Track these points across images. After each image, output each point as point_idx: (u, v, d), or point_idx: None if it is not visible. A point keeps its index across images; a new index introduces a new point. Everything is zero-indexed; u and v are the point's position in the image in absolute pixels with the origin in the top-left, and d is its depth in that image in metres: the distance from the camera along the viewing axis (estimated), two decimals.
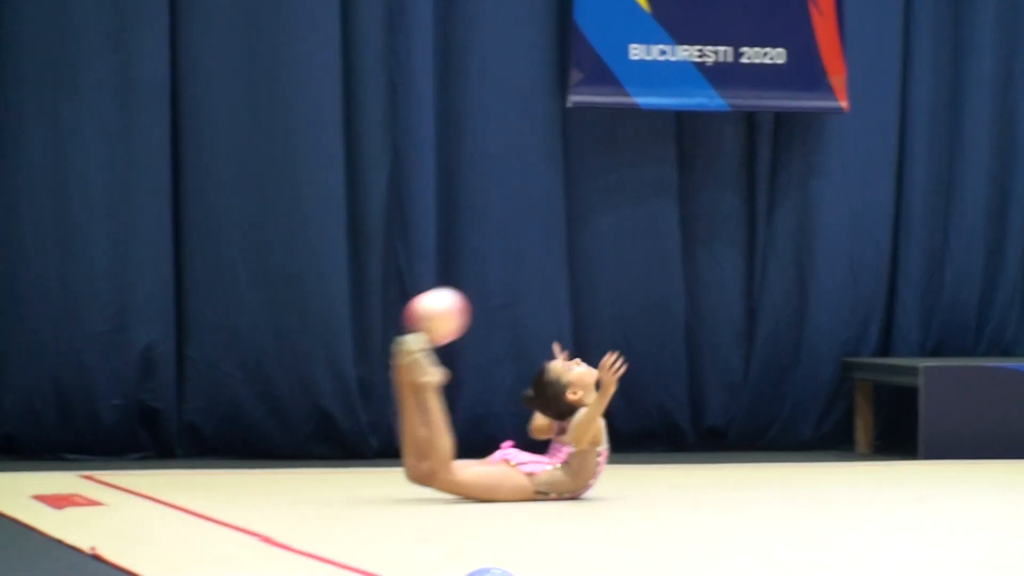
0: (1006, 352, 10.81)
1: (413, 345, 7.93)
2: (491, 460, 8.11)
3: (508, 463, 8.07)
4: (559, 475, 8.05)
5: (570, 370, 8.07)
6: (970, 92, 10.74)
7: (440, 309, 8.10)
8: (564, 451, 8.03)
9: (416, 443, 7.94)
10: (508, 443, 8.19)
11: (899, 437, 10.34)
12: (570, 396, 8.04)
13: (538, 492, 8.00)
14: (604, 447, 8.01)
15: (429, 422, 7.88)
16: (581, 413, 7.93)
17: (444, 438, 7.91)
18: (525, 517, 7.63)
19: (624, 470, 9.12)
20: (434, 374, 7.94)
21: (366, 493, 8.39)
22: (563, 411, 8.08)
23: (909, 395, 10.09)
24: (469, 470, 8.01)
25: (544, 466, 8.05)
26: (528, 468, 8.06)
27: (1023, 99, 10.82)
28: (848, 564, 6.48)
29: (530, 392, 8.15)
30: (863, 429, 10.46)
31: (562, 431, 8.04)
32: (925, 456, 9.88)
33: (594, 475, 8.05)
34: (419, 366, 7.91)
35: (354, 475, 9.19)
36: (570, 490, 8.04)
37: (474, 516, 7.63)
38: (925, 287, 10.75)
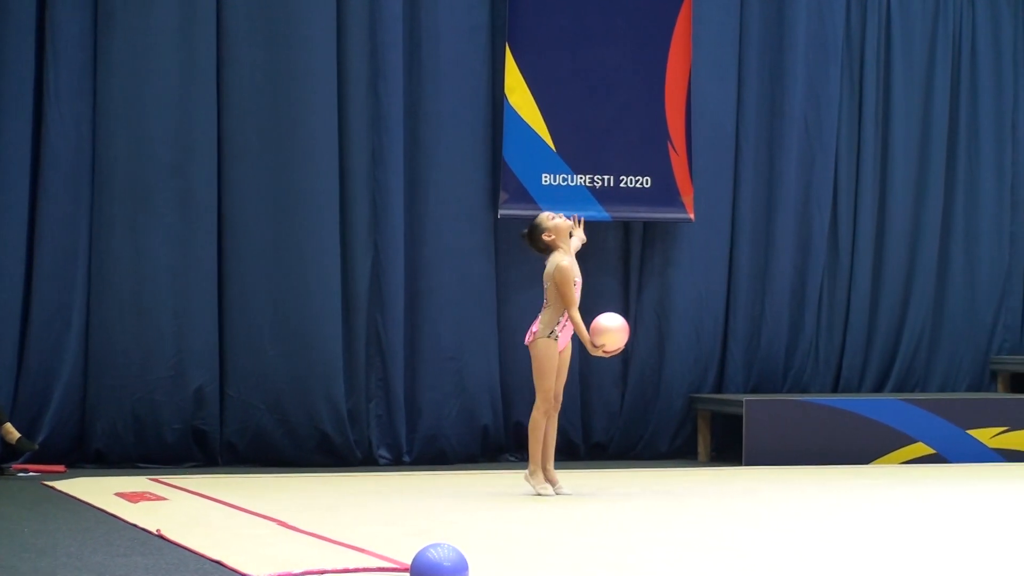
0: (804, 390, 10.80)
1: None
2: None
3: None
4: (545, 317, 7.94)
5: (552, 219, 7.96)
6: (780, 208, 10.70)
7: (613, 326, 7.88)
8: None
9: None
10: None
11: (729, 450, 10.30)
12: (545, 237, 8.00)
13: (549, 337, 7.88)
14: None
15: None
16: (561, 282, 7.85)
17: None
18: (470, 506, 7.50)
19: None
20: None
21: (351, 490, 8.33)
22: (540, 247, 7.99)
23: (736, 420, 10.06)
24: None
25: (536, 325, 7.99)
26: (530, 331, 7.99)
27: (817, 214, 10.78)
28: (691, 536, 6.49)
29: (524, 231, 8.12)
30: (703, 444, 10.41)
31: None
32: (747, 463, 9.84)
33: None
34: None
35: (343, 478, 9.06)
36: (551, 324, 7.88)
37: (430, 505, 7.52)
38: (747, 345, 10.69)
